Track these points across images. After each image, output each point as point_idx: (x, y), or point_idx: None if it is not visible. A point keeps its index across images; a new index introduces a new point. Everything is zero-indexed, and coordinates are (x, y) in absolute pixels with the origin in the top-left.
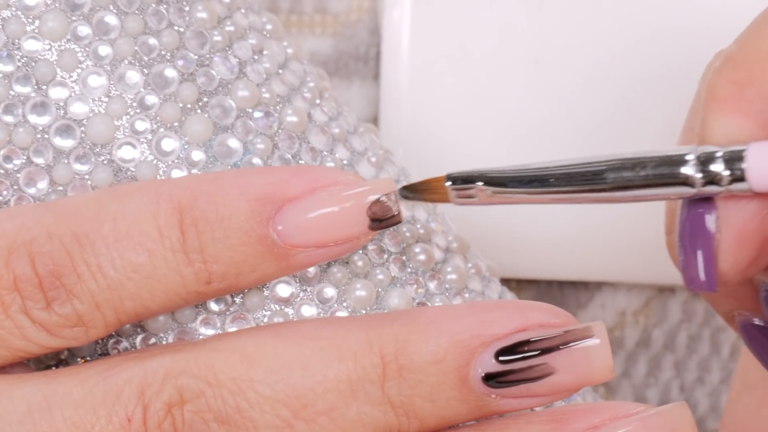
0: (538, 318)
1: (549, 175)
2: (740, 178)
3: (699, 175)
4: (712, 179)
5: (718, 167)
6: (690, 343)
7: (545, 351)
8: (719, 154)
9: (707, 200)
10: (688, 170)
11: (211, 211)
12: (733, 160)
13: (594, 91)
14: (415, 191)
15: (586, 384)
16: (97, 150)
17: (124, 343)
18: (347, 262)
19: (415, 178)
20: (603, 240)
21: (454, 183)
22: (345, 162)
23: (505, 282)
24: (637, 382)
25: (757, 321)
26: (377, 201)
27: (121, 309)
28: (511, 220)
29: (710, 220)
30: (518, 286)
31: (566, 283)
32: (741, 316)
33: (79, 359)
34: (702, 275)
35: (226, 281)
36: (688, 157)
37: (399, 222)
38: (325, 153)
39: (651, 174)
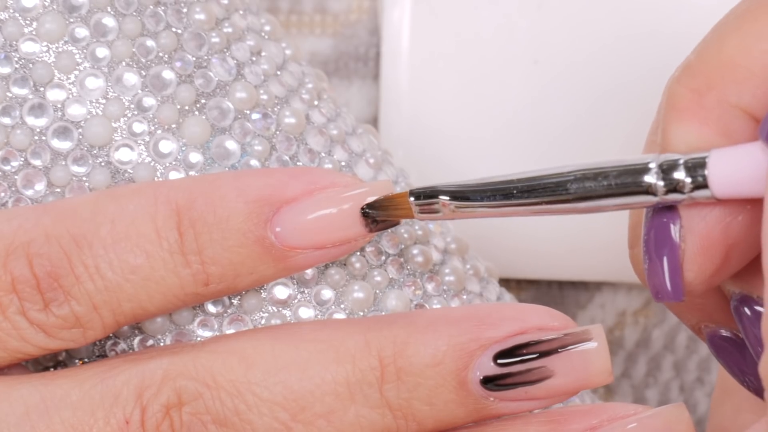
0: (537, 321)
1: (512, 187)
2: (703, 185)
3: (661, 183)
4: (674, 187)
5: (680, 175)
6: (690, 344)
7: (543, 354)
8: (681, 161)
9: (671, 210)
10: (650, 178)
11: (209, 212)
12: (695, 167)
13: (593, 91)
14: (378, 208)
15: (584, 387)
16: (95, 152)
17: (122, 345)
18: (345, 264)
19: (414, 178)
20: (603, 240)
21: (417, 198)
22: (343, 163)
23: (505, 282)
24: (636, 383)
25: (724, 332)
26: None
27: (119, 310)
28: (510, 220)
29: (675, 230)
30: (518, 286)
31: (566, 284)
32: (708, 329)
33: (77, 361)
34: (668, 285)
35: (224, 283)
36: (650, 165)
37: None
38: (323, 154)
39: (614, 183)
